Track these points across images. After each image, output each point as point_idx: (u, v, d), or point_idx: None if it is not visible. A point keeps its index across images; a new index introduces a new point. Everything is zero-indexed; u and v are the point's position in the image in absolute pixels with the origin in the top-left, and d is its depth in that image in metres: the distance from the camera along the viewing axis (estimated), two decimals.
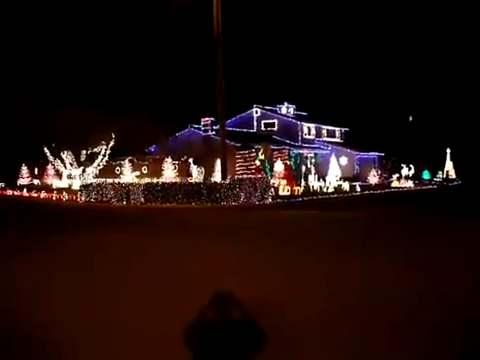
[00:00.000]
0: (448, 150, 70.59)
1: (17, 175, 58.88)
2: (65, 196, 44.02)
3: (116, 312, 8.78)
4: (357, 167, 62.84)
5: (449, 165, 70.61)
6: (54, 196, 45.30)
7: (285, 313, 8.17)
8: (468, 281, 10.20)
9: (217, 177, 42.47)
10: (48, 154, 51.95)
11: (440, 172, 68.95)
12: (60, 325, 8.14)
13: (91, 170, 51.26)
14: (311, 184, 47.89)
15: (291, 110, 64.98)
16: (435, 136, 76.49)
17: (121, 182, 41.00)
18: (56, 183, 52.90)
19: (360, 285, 10.19)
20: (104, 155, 51.36)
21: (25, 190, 50.24)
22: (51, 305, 9.25)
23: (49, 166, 55.37)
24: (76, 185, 47.00)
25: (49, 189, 48.99)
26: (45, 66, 62.24)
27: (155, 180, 42.21)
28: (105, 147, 51.09)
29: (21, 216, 28.63)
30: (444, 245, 15.05)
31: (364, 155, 64.08)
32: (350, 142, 67.25)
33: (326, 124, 66.55)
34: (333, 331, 7.67)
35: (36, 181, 57.45)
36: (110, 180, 42.01)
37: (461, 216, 24.79)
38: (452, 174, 70.00)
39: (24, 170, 59.34)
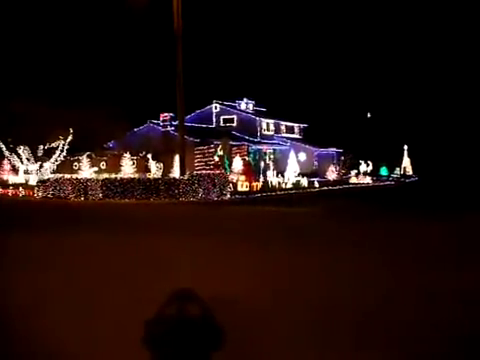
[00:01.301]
0: (405, 147, 71.56)
1: None
2: (21, 192, 43.50)
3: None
4: (316, 163, 63.22)
5: (406, 161, 71.58)
6: (10, 192, 44.72)
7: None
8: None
9: (176, 173, 42.36)
10: (4, 149, 51.13)
11: (398, 168, 69.80)
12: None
13: (48, 165, 50.59)
14: (270, 180, 48.06)
15: (250, 106, 65.03)
16: (393, 133, 77.46)
17: (79, 178, 40.69)
18: (12, 178, 52.08)
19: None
20: (62, 150, 50.73)
21: None
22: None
23: (5, 161, 54.43)
24: (33, 180, 46.40)
25: (5, 184, 48.29)
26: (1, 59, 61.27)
27: (113, 176, 41.97)
28: (63, 142, 50.47)
29: None
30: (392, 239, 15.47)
31: (323, 151, 64.49)
32: (309, 138, 67.61)
33: (285, 120, 66.74)
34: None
35: None
36: (68, 176, 41.63)
37: (413, 211, 25.40)
38: (409, 170, 71.02)
39: None
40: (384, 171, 67.56)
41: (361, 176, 59.89)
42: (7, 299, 9.33)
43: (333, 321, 7.88)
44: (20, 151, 50.77)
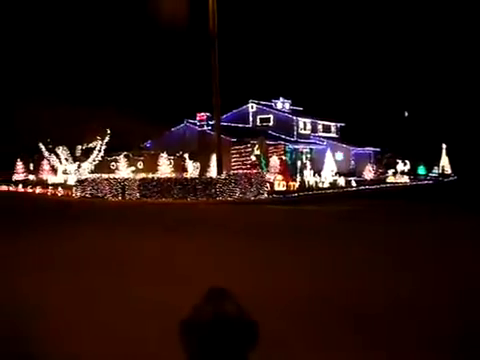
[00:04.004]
0: (444, 145, 70.64)
1: (12, 170, 58.77)
2: (60, 191, 43.98)
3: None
4: (353, 162, 62.81)
5: (445, 160, 70.64)
6: (49, 191, 45.27)
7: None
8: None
9: (212, 172, 42.40)
10: (43, 149, 51.84)
11: (436, 167, 68.90)
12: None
13: (86, 165, 51.11)
14: (307, 179, 47.84)
15: (287, 105, 64.87)
16: (431, 131, 76.55)
17: (116, 177, 40.92)
18: (51, 178, 52.77)
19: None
20: (99, 150, 51.22)
21: (20, 185, 50.27)
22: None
23: (44, 161, 55.21)
24: (71, 180, 46.90)
25: (44, 184, 48.92)
26: (41, 62, 62.14)
27: (150, 175, 42.16)
28: (100, 142, 50.98)
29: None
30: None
31: (360, 150, 64.06)
32: (346, 137, 67.20)
33: (322, 119, 66.44)
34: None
35: (31, 176, 57.33)
36: (105, 175, 41.92)
37: (452, 210, 25.10)
38: (448, 169, 70.06)
39: (19, 165, 59.21)
40: (422, 170, 66.77)
41: (398, 175, 59.23)
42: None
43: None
44: (59, 151, 51.39)
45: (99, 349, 6.91)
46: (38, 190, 46.74)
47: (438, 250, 13.87)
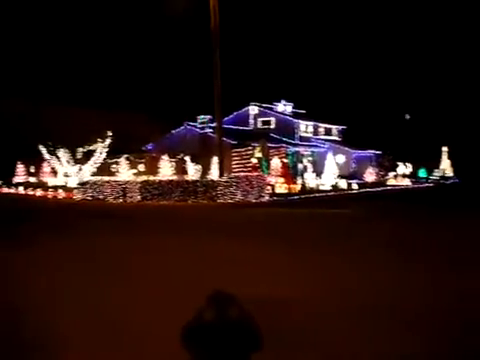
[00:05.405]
0: (445, 148, 70.62)
1: (13, 173, 58.73)
2: (61, 194, 43.96)
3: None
4: (354, 165, 62.71)
5: (446, 163, 70.61)
6: (50, 194, 45.25)
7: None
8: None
9: (214, 175, 42.36)
10: (44, 152, 51.78)
11: (437, 170, 68.88)
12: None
13: (88, 168, 51.11)
14: (308, 182, 47.78)
15: (288, 108, 64.74)
16: (432, 134, 76.52)
17: (118, 180, 40.93)
18: (52, 181, 52.74)
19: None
20: (101, 153, 51.22)
21: (21, 188, 50.23)
22: None
23: (45, 164, 55.17)
24: (72, 183, 46.89)
25: (45, 187, 48.90)
26: (41, 64, 62.26)
27: (152, 178, 42.13)
28: (102, 145, 50.97)
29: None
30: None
31: (361, 153, 63.97)
32: (347, 140, 67.09)
33: (323, 122, 66.31)
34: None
35: (32, 179, 57.30)
36: (107, 178, 41.94)
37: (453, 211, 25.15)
38: (448, 172, 70.00)
39: (20, 168, 59.20)
40: (423, 173, 66.73)
41: (399, 178, 59.25)
42: None
43: None
44: (60, 154, 51.34)
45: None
46: (39, 193, 46.71)
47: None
